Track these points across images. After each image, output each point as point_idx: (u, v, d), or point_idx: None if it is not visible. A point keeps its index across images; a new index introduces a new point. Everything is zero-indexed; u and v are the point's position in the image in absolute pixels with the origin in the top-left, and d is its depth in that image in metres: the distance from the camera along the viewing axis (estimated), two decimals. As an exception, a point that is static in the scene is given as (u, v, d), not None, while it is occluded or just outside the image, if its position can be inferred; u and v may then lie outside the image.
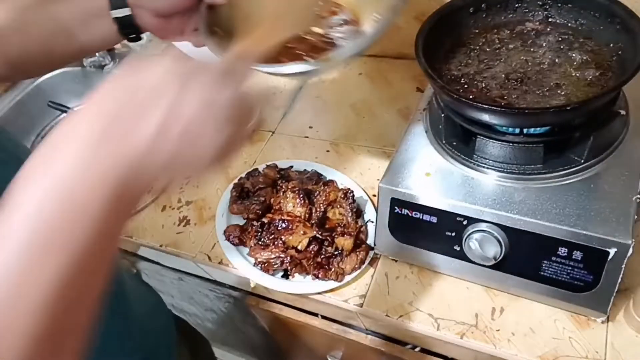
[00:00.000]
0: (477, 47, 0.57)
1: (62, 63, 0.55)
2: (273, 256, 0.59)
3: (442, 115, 0.55)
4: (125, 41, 0.54)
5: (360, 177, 0.71)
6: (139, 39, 0.54)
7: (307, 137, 0.79)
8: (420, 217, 0.55)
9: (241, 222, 0.66)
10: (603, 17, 0.52)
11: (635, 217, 0.47)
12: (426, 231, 0.55)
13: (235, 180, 0.71)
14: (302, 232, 0.59)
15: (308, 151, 0.76)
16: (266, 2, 0.45)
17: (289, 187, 0.63)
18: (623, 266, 0.46)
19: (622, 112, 0.52)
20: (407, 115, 0.75)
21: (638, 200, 0.47)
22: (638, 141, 0.51)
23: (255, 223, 0.63)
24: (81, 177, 0.27)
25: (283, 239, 0.60)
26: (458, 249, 0.54)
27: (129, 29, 0.52)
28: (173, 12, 0.52)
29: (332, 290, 0.60)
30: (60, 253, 0.26)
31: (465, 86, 0.53)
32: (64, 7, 0.50)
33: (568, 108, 0.44)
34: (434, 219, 0.54)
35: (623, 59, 0.50)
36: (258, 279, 0.61)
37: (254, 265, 0.61)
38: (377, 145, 0.74)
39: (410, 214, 0.55)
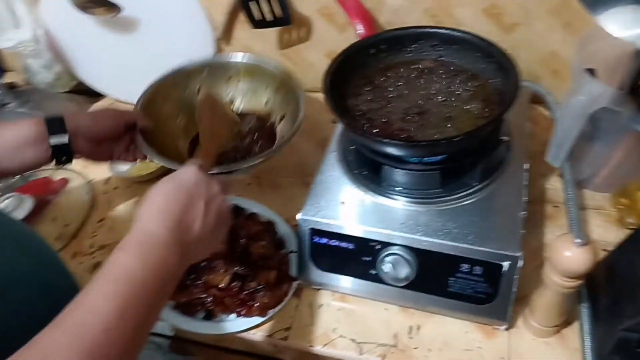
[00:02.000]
0: (380, 84, 0.62)
1: None
2: (194, 297, 0.58)
3: (352, 147, 0.59)
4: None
5: (283, 208, 0.72)
6: (70, 162, 0.60)
7: (228, 171, 0.79)
8: (338, 245, 0.57)
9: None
10: (484, 56, 0.59)
11: (523, 230, 0.53)
12: (345, 258, 0.58)
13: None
14: (223, 269, 0.59)
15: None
16: (203, 121, 0.60)
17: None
18: (516, 276, 0.52)
19: (506, 138, 0.59)
20: (325, 147, 0.78)
21: (524, 215, 0.54)
22: (520, 163, 0.58)
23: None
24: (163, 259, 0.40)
25: (203, 279, 0.59)
26: (374, 272, 0.57)
27: (62, 154, 0.58)
28: (105, 139, 0.62)
29: (256, 326, 0.59)
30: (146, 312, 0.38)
31: (371, 120, 0.57)
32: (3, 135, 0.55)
33: (457, 139, 0.49)
34: (351, 246, 0.57)
35: (502, 92, 0.57)
36: (178, 322, 0.59)
37: (174, 309, 0.60)
38: (298, 176, 0.77)
39: (329, 243, 0.58)
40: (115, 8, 0.79)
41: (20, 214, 0.72)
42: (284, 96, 0.77)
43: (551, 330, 0.54)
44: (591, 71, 0.55)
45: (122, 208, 0.77)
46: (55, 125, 0.57)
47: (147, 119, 0.68)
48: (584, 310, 0.54)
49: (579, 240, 0.44)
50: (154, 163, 0.74)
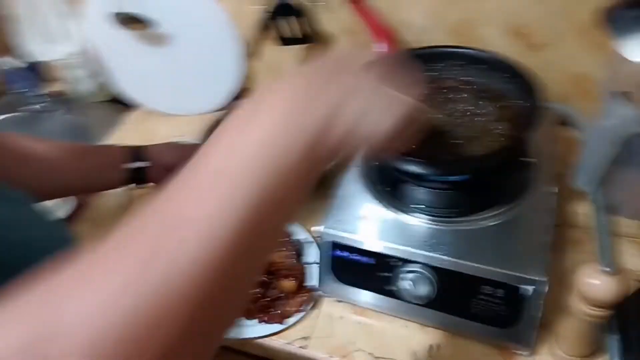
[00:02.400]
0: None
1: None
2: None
3: (375, 163, 0.59)
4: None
5: (304, 219, 0.72)
6: (144, 184, 0.66)
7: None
8: (359, 259, 0.58)
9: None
10: (510, 77, 0.59)
11: (549, 255, 0.51)
12: (365, 272, 0.58)
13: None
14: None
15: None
16: None
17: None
18: (541, 302, 0.50)
19: (533, 159, 0.59)
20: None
21: (550, 240, 0.52)
22: (547, 186, 0.57)
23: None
24: (281, 139, 0.28)
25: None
26: (394, 289, 0.56)
27: (138, 178, 0.64)
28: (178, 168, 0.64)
29: (276, 333, 0.60)
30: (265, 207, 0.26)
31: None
32: (94, 158, 0.63)
33: (479, 159, 0.49)
34: (371, 261, 0.57)
35: (527, 113, 0.56)
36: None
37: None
38: (319, 188, 0.77)
39: (349, 256, 0.58)
40: (149, 23, 0.83)
41: (62, 212, 0.75)
42: None
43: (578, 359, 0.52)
44: (626, 94, 0.54)
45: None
46: (138, 153, 0.65)
47: None
48: (614, 342, 0.52)
49: (608, 269, 0.43)
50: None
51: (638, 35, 0.37)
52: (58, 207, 0.77)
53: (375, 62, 0.34)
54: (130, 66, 0.94)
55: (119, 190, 0.80)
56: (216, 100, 0.96)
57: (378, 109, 0.33)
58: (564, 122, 0.72)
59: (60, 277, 0.22)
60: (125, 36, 0.86)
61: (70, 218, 0.77)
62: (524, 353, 0.54)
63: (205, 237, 0.24)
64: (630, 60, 0.36)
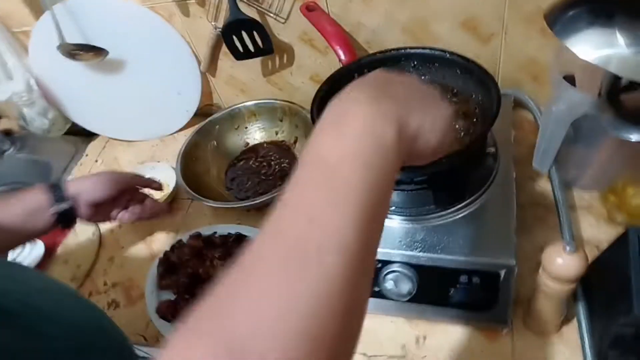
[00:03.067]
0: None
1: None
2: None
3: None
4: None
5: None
6: (74, 224, 0.64)
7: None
8: (341, 266, 0.60)
9: (172, 296, 0.67)
10: (463, 73, 0.61)
11: (516, 238, 0.55)
12: (348, 278, 0.60)
13: (161, 255, 0.71)
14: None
15: (230, 214, 0.79)
16: None
17: (215, 256, 0.65)
18: (513, 283, 0.54)
19: (492, 149, 0.62)
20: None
21: (515, 223, 0.56)
22: (508, 172, 0.61)
23: (186, 296, 0.64)
24: (373, 129, 0.29)
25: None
26: (378, 289, 0.59)
27: (66, 219, 0.62)
28: (104, 202, 0.65)
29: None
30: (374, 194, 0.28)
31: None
32: (7, 209, 0.59)
33: (446, 159, 0.51)
34: (353, 266, 0.59)
35: (484, 107, 0.59)
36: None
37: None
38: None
39: (331, 265, 0.60)
40: (102, 52, 0.81)
41: (34, 259, 0.74)
42: (290, 122, 0.86)
43: (552, 329, 0.56)
44: (570, 78, 0.57)
45: (129, 245, 0.79)
46: (58, 193, 0.61)
47: (145, 180, 0.72)
48: (581, 308, 0.56)
49: (569, 248, 0.46)
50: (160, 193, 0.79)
51: (578, 32, 0.39)
52: (28, 254, 0.75)
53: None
54: (84, 96, 0.92)
55: (88, 226, 0.79)
56: (177, 120, 0.95)
57: (437, 117, 0.35)
58: (519, 105, 0.76)
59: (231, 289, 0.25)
60: (75, 67, 0.84)
61: (41, 264, 0.76)
62: (503, 331, 0.58)
63: (336, 237, 0.26)
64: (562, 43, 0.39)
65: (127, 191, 0.68)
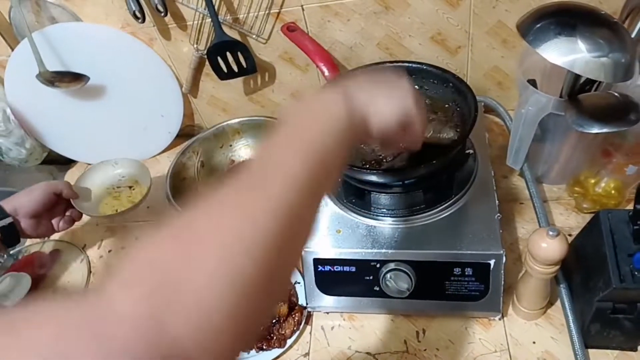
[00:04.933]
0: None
1: None
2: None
3: (339, 179, 0.64)
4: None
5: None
6: (18, 242, 0.66)
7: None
8: (342, 270, 0.62)
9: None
10: (440, 82, 0.67)
11: (501, 230, 0.60)
12: (348, 280, 0.63)
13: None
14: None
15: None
16: None
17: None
18: (502, 271, 0.58)
19: (471, 151, 0.67)
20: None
21: (499, 217, 0.61)
22: (487, 171, 0.66)
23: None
24: (331, 108, 0.37)
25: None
26: (377, 289, 0.62)
27: (10, 236, 0.63)
28: (42, 210, 0.67)
29: (277, 357, 0.63)
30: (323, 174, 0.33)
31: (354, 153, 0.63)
32: None
33: (433, 163, 0.56)
34: (353, 269, 0.62)
35: (462, 113, 0.64)
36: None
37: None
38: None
39: (332, 269, 0.63)
40: (82, 78, 0.81)
41: (20, 293, 0.71)
42: None
43: (538, 312, 0.61)
44: (533, 81, 0.64)
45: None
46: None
47: (70, 189, 0.73)
48: (563, 290, 0.61)
49: (552, 232, 0.51)
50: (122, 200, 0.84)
51: (547, 40, 0.45)
52: (13, 288, 0.73)
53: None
54: (64, 123, 0.91)
55: (77, 259, 0.78)
56: (159, 143, 0.96)
57: (393, 96, 0.42)
58: (488, 110, 0.83)
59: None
60: (54, 94, 0.83)
61: (29, 296, 0.74)
62: (496, 318, 0.62)
63: (285, 183, 0.30)
64: (535, 51, 0.45)
65: (61, 199, 0.71)
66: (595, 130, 0.54)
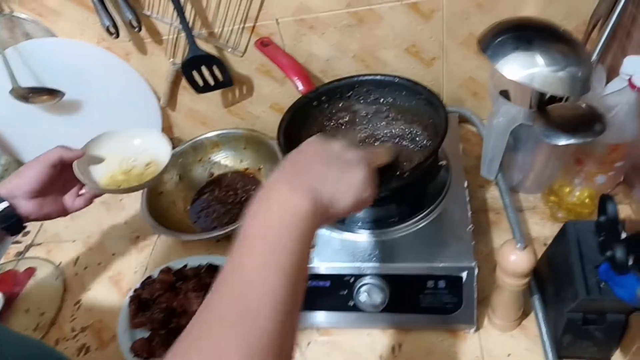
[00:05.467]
0: (329, 131, 0.68)
1: None
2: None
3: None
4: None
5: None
6: (23, 229, 0.59)
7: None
8: (316, 284, 0.62)
9: (146, 334, 0.66)
10: (412, 94, 0.67)
11: (473, 242, 0.60)
12: (323, 295, 0.62)
13: (131, 293, 0.70)
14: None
15: (199, 246, 0.79)
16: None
17: (189, 287, 0.65)
18: (474, 283, 0.58)
19: (444, 162, 0.67)
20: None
21: (471, 229, 0.61)
22: (460, 182, 0.66)
23: (162, 332, 0.64)
24: (290, 203, 0.37)
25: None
26: (352, 303, 0.62)
27: (11, 221, 0.57)
28: (43, 188, 0.59)
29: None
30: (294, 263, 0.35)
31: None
32: None
33: (405, 174, 0.56)
34: (327, 283, 0.62)
35: (434, 124, 0.65)
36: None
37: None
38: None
39: (306, 285, 0.62)
40: (57, 94, 0.81)
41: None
42: (253, 150, 0.89)
43: (513, 324, 0.61)
44: (506, 92, 0.64)
45: (96, 286, 0.77)
46: None
47: (69, 150, 0.63)
48: (537, 301, 0.61)
49: (520, 245, 0.51)
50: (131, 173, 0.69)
51: (506, 55, 0.45)
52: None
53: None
54: (40, 139, 0.89)
55: (52, 276, 0.77)
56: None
57: (350, 184, 0.42)
58: (463, 120, 0.83)
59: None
60: (29, 110, 0.83)
61: (1, 316, 0.73)
62: (471, 330, 0.62)
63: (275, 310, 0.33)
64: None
65: (65, 169, 0.61)
66: (562, 142, 0.54)
